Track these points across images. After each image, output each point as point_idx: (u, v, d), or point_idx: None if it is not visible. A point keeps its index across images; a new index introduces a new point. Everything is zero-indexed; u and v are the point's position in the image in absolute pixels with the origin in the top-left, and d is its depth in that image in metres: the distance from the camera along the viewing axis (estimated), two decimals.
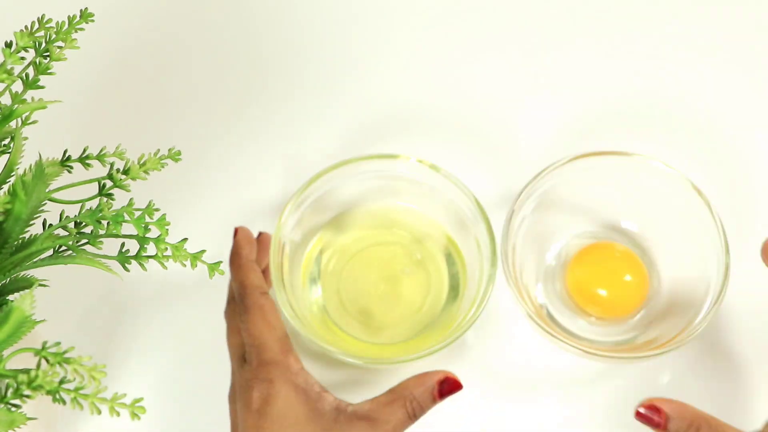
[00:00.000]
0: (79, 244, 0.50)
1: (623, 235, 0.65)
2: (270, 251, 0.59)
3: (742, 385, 0.62)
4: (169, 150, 0.51)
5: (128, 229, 0.49)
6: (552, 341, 0.58)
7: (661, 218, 0.64)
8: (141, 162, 0.50)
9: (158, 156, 0.51)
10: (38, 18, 0.50)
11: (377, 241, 0.65)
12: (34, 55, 0.49)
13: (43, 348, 0.43)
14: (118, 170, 0.50)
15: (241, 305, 0.54)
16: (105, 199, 0.49)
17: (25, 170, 0.48)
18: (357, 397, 0.54)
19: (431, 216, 0.64)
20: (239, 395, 0.53)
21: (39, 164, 0.48)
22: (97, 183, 0.51)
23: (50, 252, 0.49)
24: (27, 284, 0.49)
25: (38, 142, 0.53)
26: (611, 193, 0.64)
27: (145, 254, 0.49)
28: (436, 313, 0.63)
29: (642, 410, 0.51)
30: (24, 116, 0.49)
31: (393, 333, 0.62)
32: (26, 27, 0.49)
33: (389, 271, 0.64)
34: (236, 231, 0.58)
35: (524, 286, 0.62)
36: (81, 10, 0.50)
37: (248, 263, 0.56)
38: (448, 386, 0.53)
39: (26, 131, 0.50)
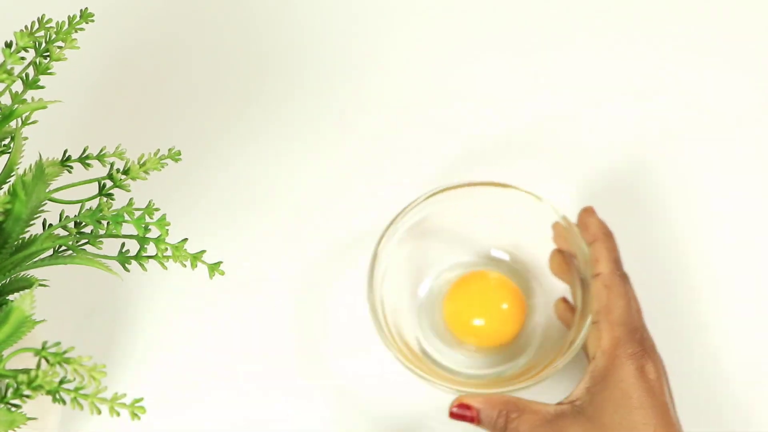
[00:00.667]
0: (79, 244, 0.50)
1: (498, 265, 0.64)
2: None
3: None
4: (169, 150, 0.51)
5: (128, 229, 0.49)
6: (425, 383, 0.57)
7: (532, 247, 0.63)
8: (141, 162, 0.50)
9: (158, 156, 0.51)
10: (38, 18, 0.50)
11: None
12: (34, 55, 0.49)
13: (43, 348, 0.43)
14: (118, 170, 0.50)
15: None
16: (105, 199, 0.49)
17: (25, 170, 0.48)
18: None
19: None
20: None
21: (39, 164, 0.48)
22: (97, 183, 0.51)
23: (50, 252, 0.49)
24: (27, 284, 0.49)
25: (38, 142, 0.53)
26: (484, 223, 0.63)
27: (145, 254, 0.49)
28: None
29: (454, 410, 0.54)
30: (24, 116, 0.49)
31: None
32: (26, 27, 0.49)
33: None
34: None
35: (395, 323, 0.61)
36: (81, 10, 0.50)
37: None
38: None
39: (26, 131, 0.50)
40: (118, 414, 0.43)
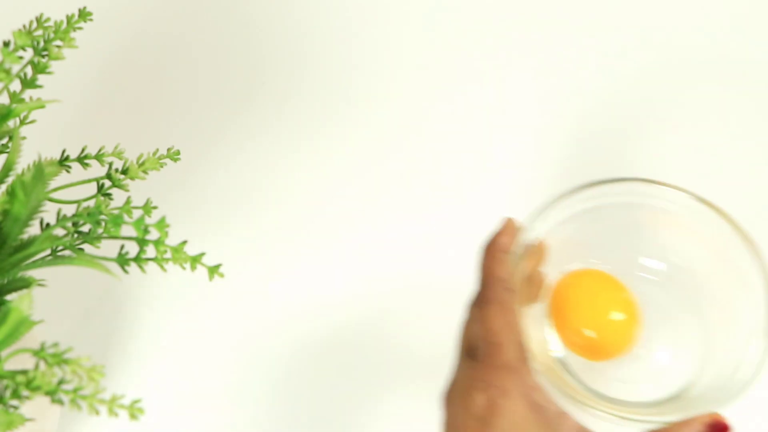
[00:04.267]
0: (77, 244, 0.49)
1: (645, 272, 0.56)
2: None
3: None
4: (168, 149, 0.51)
5: (127, 230, 0.49)
6: (581, 408, 0.49)
7: (692, 258, 0.54)
8: (140, 162, 0.50)
9: (157, 156, 0.50)
10: (37, 17, 0.49)
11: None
12: (32, 54, 0.49)
13: (42, 348, 0.43)
14: (116, 170, 0.50)
15: (482, 296, 0.48)
16: (102, 198, 0.49)
17: (23, 170, 0.48)
18: None
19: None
20: (460, 395, 0.47)
21: (38, 165, 0.48)
22: (95, 183, 0.51)
23: (48, 252, 0.49)
24: (25, 284, 0.48)
25: (36, 142, 0.53)
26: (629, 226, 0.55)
27: (144, 257, 0.49)
28: None
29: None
30: (22, 116, 0.49)
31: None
32: (24, 26, 0.49)
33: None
34: (505, 219, 0.51)
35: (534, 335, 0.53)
36: (79, 9, 0.50)
37: (500, 254, 0.50)
38: (717, 430, 0.46)
39: (24, 131, 0.50)
40: (117, 415, 0.43)
